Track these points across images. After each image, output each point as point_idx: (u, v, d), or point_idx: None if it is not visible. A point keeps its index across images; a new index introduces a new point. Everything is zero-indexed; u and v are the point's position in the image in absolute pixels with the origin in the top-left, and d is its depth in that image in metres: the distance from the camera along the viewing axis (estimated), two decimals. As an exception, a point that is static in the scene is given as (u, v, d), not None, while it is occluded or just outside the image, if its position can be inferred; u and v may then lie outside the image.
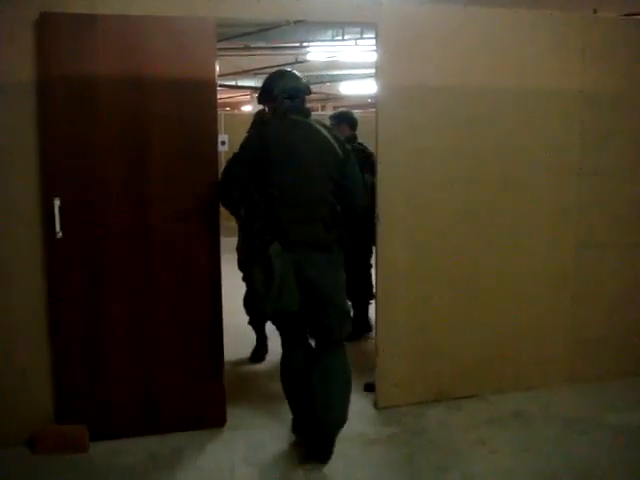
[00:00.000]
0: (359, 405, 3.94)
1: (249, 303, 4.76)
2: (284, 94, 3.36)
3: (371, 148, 4.30)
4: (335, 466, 3.29)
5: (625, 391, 4.15)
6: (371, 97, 12.33)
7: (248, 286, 4.67)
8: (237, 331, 5.18)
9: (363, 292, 5.21)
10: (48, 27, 3.20)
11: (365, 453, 3.43)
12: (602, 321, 4.26)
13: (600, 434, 3.60)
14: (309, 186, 3.24)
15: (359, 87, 13.79)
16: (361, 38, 8.28)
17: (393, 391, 3.87)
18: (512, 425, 3.71)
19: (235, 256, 4.57)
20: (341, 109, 3.87)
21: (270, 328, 4.87)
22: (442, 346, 3.95)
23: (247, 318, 4.96)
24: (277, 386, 4.24)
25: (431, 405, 3.92)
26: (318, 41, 8.77)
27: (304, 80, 3.51)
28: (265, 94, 3.46)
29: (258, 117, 4.33)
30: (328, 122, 4.93)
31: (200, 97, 3.43)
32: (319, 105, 18.93)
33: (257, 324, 4.90)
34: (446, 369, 3.98)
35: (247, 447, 3.47)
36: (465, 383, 4.02)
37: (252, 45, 8.93)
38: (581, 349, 4.22)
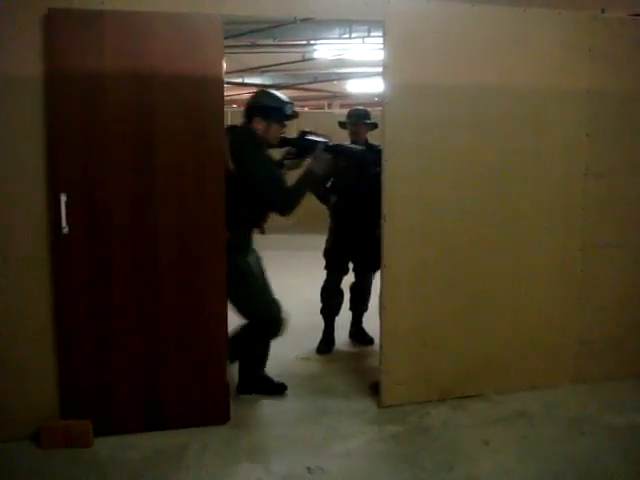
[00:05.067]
0: (363, 404, 3.95)
1: (327, 293, 4.89)
2: None
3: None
4: (338, 464, 3.29)
5: (630, 392, 4.15)
6: (378, 95, 12.32)
7: (329, 275, 4.92)
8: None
9: None
10: (56, 23, 3.21)
11: (368, 451, 3.43)
12: (608, 321, 4.25)
13: (605, 435, 3.59)
14: None
15: (366, 85, 13.79)
16: (368, 36, 8.27)
17: (397, 390, 3.87)
18: (516, 425, 3.70)
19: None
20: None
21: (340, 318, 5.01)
22: (447, 345, 3.95)
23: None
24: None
25: (435, 404, 3.91)
26: (325, 39, 8.77)
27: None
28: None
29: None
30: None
31: (207, 94, 3.43)
32: (326, 103, 18.93)
33: (328, 315, 4.97)
34: (451, 368, 3.98)
35: (250, 445, 3.47)
36: (469, 382, 4.01)
37: (259, 43, 8.94)
38: (586, 349, 4.20)
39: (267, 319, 3.89)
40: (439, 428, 3.66)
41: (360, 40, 8.55)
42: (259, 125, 3.82)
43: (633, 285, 4.30)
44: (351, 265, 4.99)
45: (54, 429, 3.40)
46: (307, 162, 3.95)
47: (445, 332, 3.93)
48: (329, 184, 4.98)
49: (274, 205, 3.76)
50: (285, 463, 3.30)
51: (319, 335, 4.95)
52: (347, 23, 7.74)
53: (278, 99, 3.88)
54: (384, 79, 3.71)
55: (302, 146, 4.02)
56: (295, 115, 4.01)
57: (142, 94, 3.37)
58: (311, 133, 4.03)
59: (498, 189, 3.94)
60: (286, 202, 3.74)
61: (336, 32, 8.21)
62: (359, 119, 4.87)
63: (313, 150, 3.91)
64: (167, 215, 3.45)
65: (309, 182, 3.86)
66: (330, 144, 3.94)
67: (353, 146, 4.20)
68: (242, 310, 3.84)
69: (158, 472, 3.20)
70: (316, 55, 10.36)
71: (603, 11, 4.39)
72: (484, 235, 3.95)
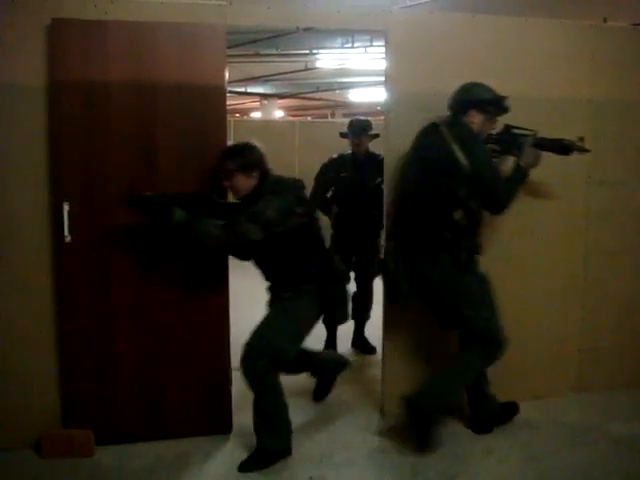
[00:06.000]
0: (365, 413, 3.93)
1: None
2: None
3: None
4: (341, 474, 3.28)
5: (634, 401, 4.13)
6: (380, 104, 12.37)
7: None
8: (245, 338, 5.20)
9: None
10: (59, 33, 3.22)
11: (371, 461, 3.43)
12: (610, 330, 4.24)
13: (608, 444, 3.58)
14: None
15: (368, 94, 13.84)
16: (370, 46, 8.32)
17: (399, 399, 3.85)
18: (519, 434, 3.69)
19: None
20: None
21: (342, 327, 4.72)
22: (448, 354, 3.93)
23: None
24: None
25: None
26: (328, 48, 8.82)
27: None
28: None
29: None
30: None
31: (210, 103, 3.44)
32: (328, 112, 19.01)
33: (330, 324, 4.76)
34: (453, 377, 3.96)
35: (253, 454, 3.47)
36: (472, 391, 3.99)
37: (262, 52, 8.99)
38: (589, 358, 4.19)
39: (501, 341, 3.56)
40: (442, 437, 3.64)
41: (362, 49, 8.59)
42: (475, 119, 3.44)
43: (636, 293, 4.28)
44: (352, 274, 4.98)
45: (56, 438, 3.39)
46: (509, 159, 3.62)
47: (446, 341, 3.92)
48: (330, 194, 4.99)
49: (494, 204, 3.45)
50: (287, 472, 3.29)
51: (321, 344, 4.93)
52: (349, 33, 7.79)
53: (494, 91, 3.49)
54: (386, 88, 3.72)
55: (508, 142, 3.61)
56: (509, 109, 3.56)
57: (145, 103, 3.37)
58: (516, 127, 3.66)
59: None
60: (505, 202, 3.43)
61: (338, 41, 8.27)
62: (360, 130, 4.87)
63: (519, 145, 3.51)
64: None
65: (521, 179, 3.49)
66: (538, 138, 3.54)
67: (561, 138, 3.63)
68: (479, 328, 3.51)
69: (159, 481, 3.20)
70: (318, 64, 10.41)
71: (605, 20, 4.41)
72: (485, 244, 3.93)
